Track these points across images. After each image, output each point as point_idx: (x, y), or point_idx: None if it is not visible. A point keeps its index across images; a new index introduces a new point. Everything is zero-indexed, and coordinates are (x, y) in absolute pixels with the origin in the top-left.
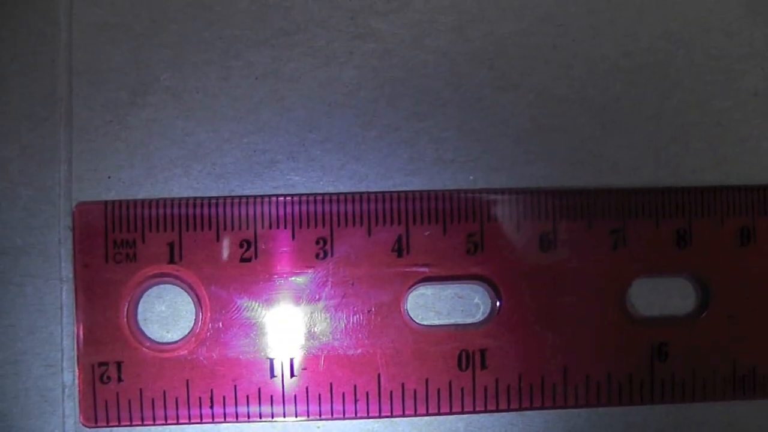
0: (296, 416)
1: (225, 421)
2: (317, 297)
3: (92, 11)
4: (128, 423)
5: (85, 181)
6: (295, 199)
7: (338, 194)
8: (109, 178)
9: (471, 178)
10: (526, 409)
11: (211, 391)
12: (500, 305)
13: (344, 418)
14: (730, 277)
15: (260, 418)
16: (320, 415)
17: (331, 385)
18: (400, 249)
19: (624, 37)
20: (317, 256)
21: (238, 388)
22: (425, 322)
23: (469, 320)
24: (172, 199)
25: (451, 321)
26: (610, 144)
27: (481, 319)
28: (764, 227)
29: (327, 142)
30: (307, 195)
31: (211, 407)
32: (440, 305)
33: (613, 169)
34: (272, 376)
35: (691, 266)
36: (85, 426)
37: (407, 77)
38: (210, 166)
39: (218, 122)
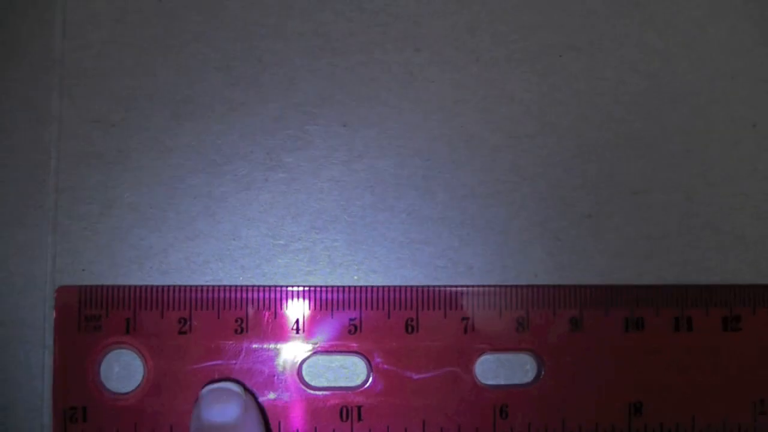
0: None
1: None
2: (234, 362)
3: (75, 143)
4: None
5: (65, 273)
6: (220, 288)
7: (254, 287)
8: (83, 270)
9: (355, 277)
10: None
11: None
12: (373, 375)
13: None
14: (561, 355)
15: None
16: None
17: None
18: (298, 329)
19: (480, 171)
20: (235, 331)
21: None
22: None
23: (350, 384)
24: (129, 286)
25: (337, 384)
26: (466, 252)
27: (360, 383)
28: (590, 316)
29: (245, 248)
30: (230, 286)
31: None
32: (329, 373)
33: (469, 272)
34: None
35: (529, 345)
36: None
37: (307, 199)
38: (158, 264)
39: (165, 230)
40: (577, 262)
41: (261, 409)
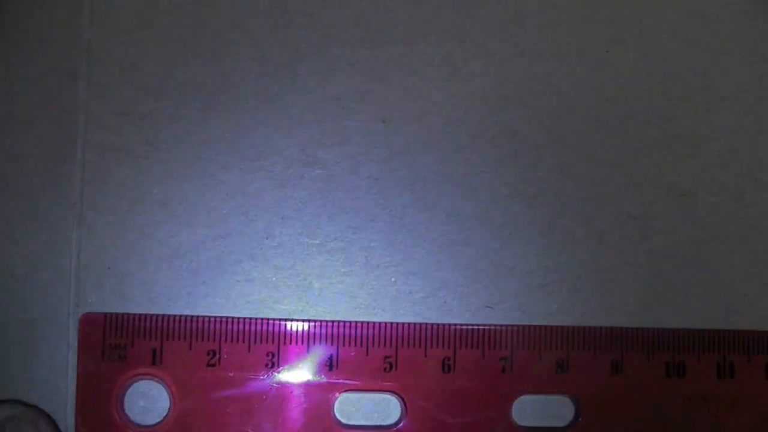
0: None
1: None
2: (264, 397)
3: (102, 135)
4: None
5: (90, 269)
6: (251, 320)
7: (287, 320)
8: (109, 268)
9: (392, 279)
10: None
11: None
12: (407, 416)
13: None
14: (600, 399)
15: None
16: None
17: None
18: (330, 365)
19: (524, 169)
20: (266, 365)
21: None
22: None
23: (384, 423)
24: (157, 315)
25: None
26: (507, 254)
27: (393, 422)
28: (630, 360)
29: (279, 248)
30: (259, 319)
31: None
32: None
33: (510, 273)
34: None
35: (567, 388)
36: None
37: (345, 197)
38: (188, 262)
39: (195, 228)
40: (622, 265)
41: None
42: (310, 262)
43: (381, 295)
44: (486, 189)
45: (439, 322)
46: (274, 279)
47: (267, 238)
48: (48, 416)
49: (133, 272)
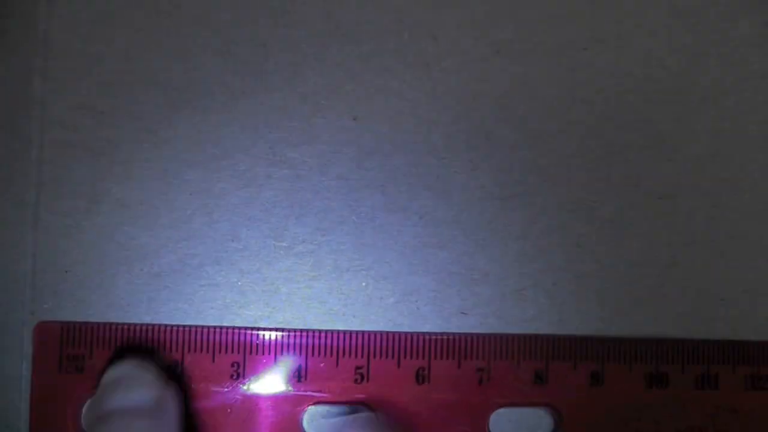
0: None
1: None
2: (229, 410)
3: (59, 132)
4: None
5: (46, 273)
6: (215, 329)
7: (253, 329)
8: (66, 272)
9: (363, 284)
10: None
11: None
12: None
13: None
14: (580, 410)
15: None
16: None
17: None
18: (299, 376)
19: (499, 171)
20: (231, 376)
21: None
22: None
23: None
24: (115, 324)
25: None
26: (482, 258)
27: None
28: (611, 371)
29: (245, 251)
30: (224, 328)
31: None
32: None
33: (484, 279)
34: None
35: (547, 399)
36: None
37: (313, 198)
38: (149, 266)
39: (157, 229)
40: (598, 270)
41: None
42: (277, 266)
43: (351, 300)
44: (460, 190)
45: (412, 329)
46: (239, 283)
47: (232, 241)
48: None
49: (92, 276)
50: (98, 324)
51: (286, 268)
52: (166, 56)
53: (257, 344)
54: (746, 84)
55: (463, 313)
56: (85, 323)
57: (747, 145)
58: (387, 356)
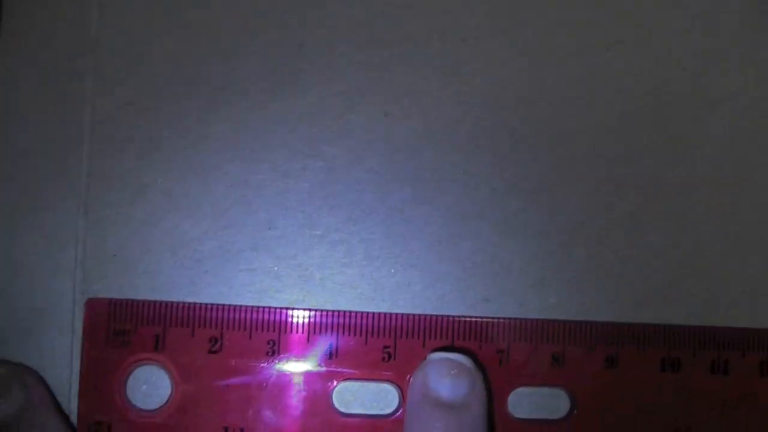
0: None
1: None
2: (264, 384)
3: (108, 127)
4: None
5: (95, 258)
6: (253, 308)
7: (288, 308)
8: (114, 255)
9: (392, 271)
10: None
11: None
12: (404, 406)
13: None
14: (595, 392)
15: None
16: None
17: None
18: (330, 353)
19: (522, 167)
20: (267, 353)
21: None
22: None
23: (382, 412)
24: (160, 302)
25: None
26: (505, 250)
27: (391, 412)
28: (625, 354)
29: (281, 239)
30: (260, 307)
31: None
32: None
33: (506, 270)
34: None
35: (563, 381)
36: None
37: (345, 190)
38: (191, 252)
39: (199, 218)
40: (617, 264)
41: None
42: (311, 253)
43: (381, 286)
44: (484, 185)
45: (438, 313)
46: (275, 269)
47: (269, 229)
48: (35, 373)
49: (137, 261)
50: (143, 301)
51: (320, 255)
52: (207, 57)
53: (292, 323)
54: (762, 85)
55: (486, 300)
56: (131, 300)
57: (762, 145)
58: (413, 336)
